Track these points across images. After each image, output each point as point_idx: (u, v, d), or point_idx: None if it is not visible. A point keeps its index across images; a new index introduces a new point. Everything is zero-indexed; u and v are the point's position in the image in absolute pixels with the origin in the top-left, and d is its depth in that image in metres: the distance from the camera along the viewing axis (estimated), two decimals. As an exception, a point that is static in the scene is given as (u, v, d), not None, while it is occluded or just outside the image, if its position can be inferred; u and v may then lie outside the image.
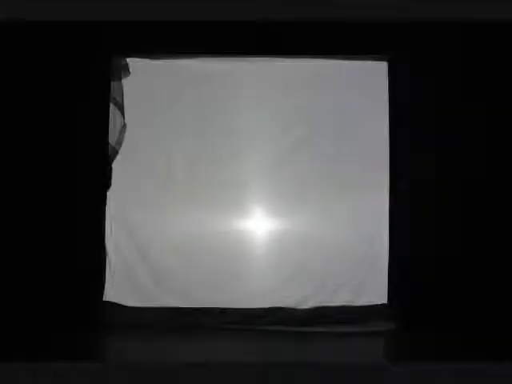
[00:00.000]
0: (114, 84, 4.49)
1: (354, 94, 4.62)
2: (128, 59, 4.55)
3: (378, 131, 4.56)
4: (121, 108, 4.51)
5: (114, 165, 4.49)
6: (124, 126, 4.50)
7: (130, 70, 4.56)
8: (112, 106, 4.49)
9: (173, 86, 4.58)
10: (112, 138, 4.48)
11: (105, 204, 4.46)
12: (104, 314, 4.33)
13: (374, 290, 4.51)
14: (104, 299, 4.42)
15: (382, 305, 4.49)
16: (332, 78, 4.61)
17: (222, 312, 4.41)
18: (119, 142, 4.50)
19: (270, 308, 4.45)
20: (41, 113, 4.40)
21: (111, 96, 4.47)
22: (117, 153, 4.48)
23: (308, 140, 4.59)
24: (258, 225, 4.57)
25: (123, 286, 4.47)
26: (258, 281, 4.49)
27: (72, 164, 4.39)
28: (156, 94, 4.58)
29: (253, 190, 4.57)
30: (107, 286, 4.45)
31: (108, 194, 4.46)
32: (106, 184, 4.44)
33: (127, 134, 4.53)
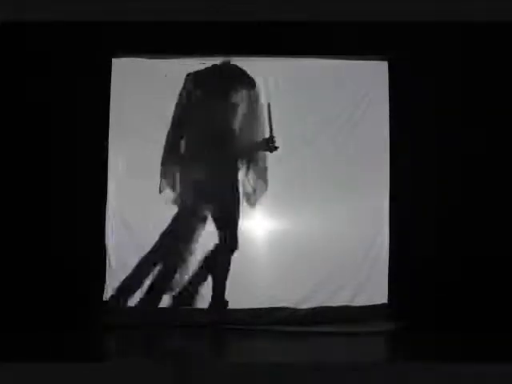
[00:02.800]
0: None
1: (354, 94, 4.62)
2: (128, 59, 4.56)
3: (378, 131, 4.56)
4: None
5: (114, 164, 4.50)
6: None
7: (130, 69, 4.56)
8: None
9: (173, 86, 4.57)
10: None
11: (105, 204, 4.47)
12: (104, 314, 4.33)
13: (374, 290, 4.51)
14: (104, 299, 4.43)
15: (382, 305, 4.49)
16: (332, 78, 4.60)
17: (223, 312, 4.41)
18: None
19: (270, 308, 4.45)
20: (41, 113, 4.40)
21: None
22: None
23: (308, 140, 4.59)
24: (258, 225, 4.57)
25: (123, 285, 4.47)
26: (257, 281, 4.49)
27: (72, 164, 4.39)
28: (156, 94, 4.57)
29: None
30: (107, 286, 4.45)
31: (108, 193, 4.48)
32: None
33: (128, 134, 4.54)
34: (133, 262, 4.48)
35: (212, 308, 4.37)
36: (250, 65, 4.56)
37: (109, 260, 4.46)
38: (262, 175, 4.50)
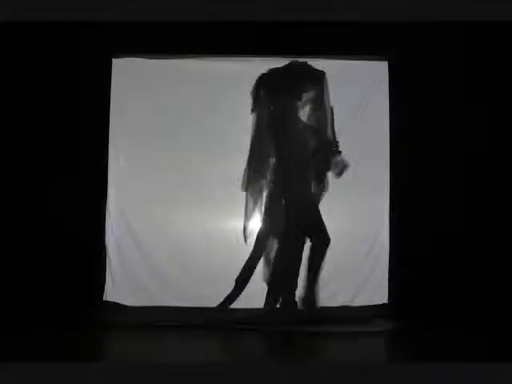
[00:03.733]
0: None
1: (354, 94, 4.62)
2: (128, 59, 4.56)
3: (378, 131, 4.56)
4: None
5: (114, 164, 4.51)
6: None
7: (130, 69, 4.56)
8: None
9: (173, 85, 4.57)
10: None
11: (105, 204, 4.47)
12: (104, 313, 4.33)
13: (374, 290, 4.51)
14: (104, 299, 4.43)
15: (382, 305, 4.49)
16: (332, 78, 4.59)
17: (223, 312, 4.41)
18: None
19: (270, 308, 4.44)
20: (41, 113, 4.40)
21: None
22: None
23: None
24: (259, 225, 4.56)
25: (123, 285, 4.47)
26: (258, 281, 4.49)
27: (72, 164, 4.40)
28: (156, 94, 4.58)
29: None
30: (107, 286, 4.46)
31: (108, 194, 4.48)
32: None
33: (128, 135, 4.54)
34: (133, 261, 4.49)
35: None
36: (250, 65, 4.57)
37: (109, 260, 4.47)
38: (323, 177, 4.49)
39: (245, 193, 4.50)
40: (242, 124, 4.56)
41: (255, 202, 4.47)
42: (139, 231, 4.52)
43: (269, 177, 4.47)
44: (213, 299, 4.43)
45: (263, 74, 4.50)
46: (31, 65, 4.38)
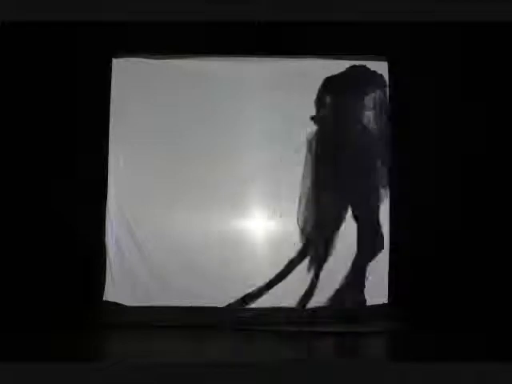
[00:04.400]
0: None
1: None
2: (128, 59, 4.56)
3: (378, 131, 4.56)
4: None
5: (114, 164, 4.51)
6: None
7: (130, 69, 4.56)
8: None
9: (173, 86, 4.58)
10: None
11: (105, 204, 4.47)
12: (104, 313, 4.33)
13: (374, 290, 4.51)
14: (104, 299, 4.43)
15: (382, 305, 4.49)
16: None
17: (222, 311, 4.41)
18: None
19: (270, 308, 4.45)
20: (41, 113, 4.40)
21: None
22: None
23: (309, 140, 4.58)
24: (258, 225, 4.56)
25: (123, 285, 4.47)
26: (258, 281, 4.49)
27: (72, 164, 4.40)
28: (156, 94, 4.58)
29: (253, 189, 4.57)
30: (107, 286, 4.46)
31: (108, 193, 4.48)
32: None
33: (128, 135, 4.55)
34: (133, 261, 4.49)
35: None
36: (251, 65, 4.57)
37: (109, 260, 4.47)
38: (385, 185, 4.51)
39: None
40: (242, 124, 4.57)
41: (313, 208, 4.47)
42: (139, 231, 4.52)
43: (333, 185, 4.48)
44: (213, 299, 4.42)
45: (327, 79, 4.52)
46: (31, 65, 4.38)
